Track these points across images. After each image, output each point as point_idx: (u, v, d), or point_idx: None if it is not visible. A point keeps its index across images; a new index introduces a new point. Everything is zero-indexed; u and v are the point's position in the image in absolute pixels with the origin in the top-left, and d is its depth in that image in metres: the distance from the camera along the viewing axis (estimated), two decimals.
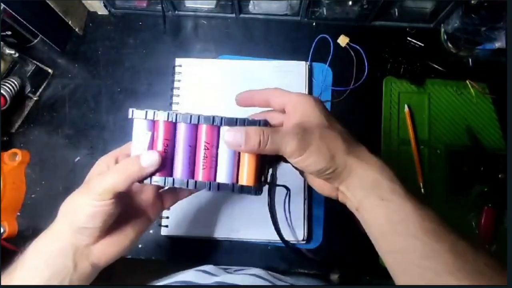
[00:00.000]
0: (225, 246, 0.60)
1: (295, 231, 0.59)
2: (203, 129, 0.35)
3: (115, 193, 0.33)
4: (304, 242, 0.59)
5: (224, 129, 0.34)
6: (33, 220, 0.61)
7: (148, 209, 0.41)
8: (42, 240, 0.36)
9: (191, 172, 0.35)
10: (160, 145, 0.35)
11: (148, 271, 0.51)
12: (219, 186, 0.35)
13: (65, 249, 0.35)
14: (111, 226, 0.36)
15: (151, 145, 0.35)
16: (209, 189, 0.35)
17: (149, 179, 0.35)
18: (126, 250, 0.38)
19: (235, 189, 0.35)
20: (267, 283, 0.45)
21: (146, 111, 0.35)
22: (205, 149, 0.35)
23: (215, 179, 0.35)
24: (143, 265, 0.60)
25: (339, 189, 0.35)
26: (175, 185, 0.35)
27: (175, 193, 0.44)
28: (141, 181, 0.34)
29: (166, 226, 0.59)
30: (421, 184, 0.62)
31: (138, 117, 0.35)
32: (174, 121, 0.35)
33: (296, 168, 0.36)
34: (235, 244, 0.60)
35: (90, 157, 0.64)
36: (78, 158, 0.64)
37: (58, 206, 0.61)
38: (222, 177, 0.35)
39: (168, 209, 0.46)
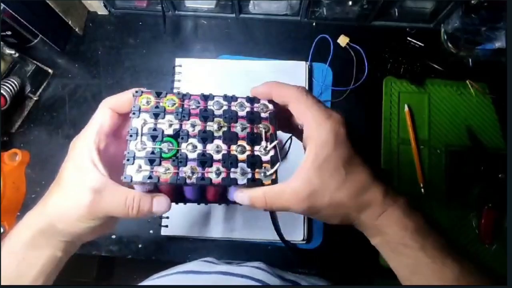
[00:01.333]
0: (225, 246, 0.60)
1: (295, 231, 0.59)
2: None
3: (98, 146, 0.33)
4: (304, 242, 0.59)
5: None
6: None
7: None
8: (33, 215, 0.35)
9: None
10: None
11: (148, 271, 0.51)
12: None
13: (51, 238, 0.34)
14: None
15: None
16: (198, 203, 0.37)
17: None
18: (110, 231, 0.38)
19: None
20: (270, 276, 0.45)
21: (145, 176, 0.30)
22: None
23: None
24: (143, 265, 0.60)
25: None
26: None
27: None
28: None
29: (166, 226, 0.59)
30: (421, 184, 0.62)
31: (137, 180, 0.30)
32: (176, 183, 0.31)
33: None
34: (235, 244, 0.60)
35: None
36: None
37: None
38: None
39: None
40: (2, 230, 0.58)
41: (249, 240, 0.60)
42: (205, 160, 0.30)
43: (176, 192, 0.36)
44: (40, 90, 0.67)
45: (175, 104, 0.33)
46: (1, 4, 0.55)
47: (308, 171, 0.30)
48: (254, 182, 0.31)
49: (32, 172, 0.63)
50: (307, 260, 0.60)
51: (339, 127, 0.32)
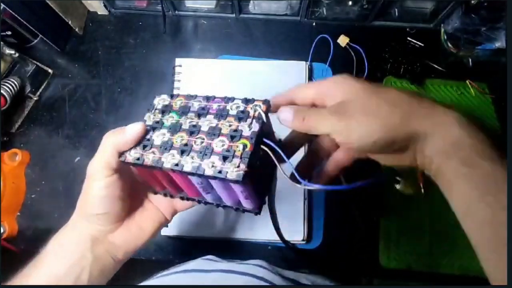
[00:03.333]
0: (225, 246, 0.60)
1: (295, 231, 0.59)
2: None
3: (110, 167, 0.34)
4: (304, 242, 0.59)
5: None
6: (33, 220, 0.61)
7: (161, 208, 0.42)
8: (63, 231, 0.37)
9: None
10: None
11: (148, 271, 0.51)
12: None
13: (83, 239, 0.36)
14: (127, 218, 0.38)
15: None
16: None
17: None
18: (143, 242, 0.39)
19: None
20: (271, 274, 0.45)
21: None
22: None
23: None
24: (143, 265, 0.60)
25: (416, 157, 0.29)
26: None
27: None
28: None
29: (166, 226, 0.59)
30: (421, 184, 0.62)
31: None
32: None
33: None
34: (235, 244, 0.60)
35: (90, 157, 0.64)
36: (78, 158, 0.64)
37: (58, 206, 0.62)
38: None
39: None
40: (2, 230, 0.58)
41: (249, 240, 0.60)
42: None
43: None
44: (40, 90, 0.67)
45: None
46: (1, 4, 0.55)
47: (336, 95, 0.29)
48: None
49: (32, 172, 0.63)
50: (307, 260, 0.60)
51: (348, 77, 0.30)
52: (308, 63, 0.67)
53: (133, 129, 0.33)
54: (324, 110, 0.30)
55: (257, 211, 0.36)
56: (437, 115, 0.27)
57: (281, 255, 0.60)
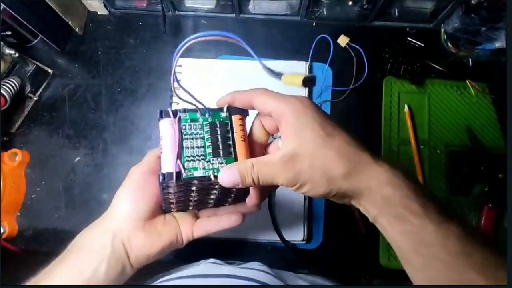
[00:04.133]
0: (225, 246, 0.60)
1: (295, 231, 0.59)
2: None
3: (151, 170, 0.40)
4: (304, 242, 0.59)
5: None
6: (33, 220, 0.61)
7: (182, 227, 0.43)
8: (88, 228, 0.40)
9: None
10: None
11: (148, 271, 0.51)
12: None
13: (104, 233, 0.38)
14: (149, 222, 0.40)
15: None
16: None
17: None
18: (157, 250, 0.41)
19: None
20: (273, 278, 0.45)
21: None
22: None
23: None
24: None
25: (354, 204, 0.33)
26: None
27: (205, 225, 0.44)
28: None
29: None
30: None
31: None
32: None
33: None
34: (235, 244, 0.60)
35: (90, 157, 0.64)
36: (78, 158, 0.64)
37: (58, 206, 0.62)
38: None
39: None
40: (2, 230, 0.58)
41: (249, 240, 0.60)
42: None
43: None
44: (40, 90, 0.67)
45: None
46: (1, 4, 0.55)
47: (288, 138, 0.31)
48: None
49: (32, 172, 0.63)
50: (307, 260, 0.60)
51: (305, 99, 0.32)
52: (308, 63, 0.67)
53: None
54: (277, 162, 0.31)
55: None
56: (373, 172, 0.30)
57: (281, 255, 0.60)
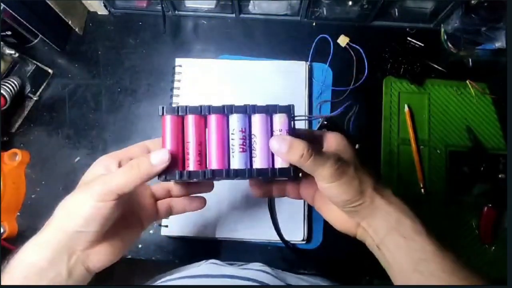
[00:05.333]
0: (225, 246, 0.60)
1: (295, 231, 0.59)
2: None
3: (120, 194, 0.32)
4: (304, 242, 0.59)
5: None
6: (33, 220, 0.61)
7: (142, 215, 0.40)
8: (32, 247, 0.34)
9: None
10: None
11: (148, 271, 0.51)
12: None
13: (59, 257, 0.33)
14: (109, 232, 0.35)
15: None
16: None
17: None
18: (121, 254, 0.37)
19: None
20: (273, 278, 0.45)
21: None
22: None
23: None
24: (143, 265, 0.60)
25: (361, 225, 0.36)
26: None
27: (169, 205, 0.43)
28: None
29: (166, 226, 0.59)
30: (421, 184, 0.62)
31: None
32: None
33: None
34: (235, 244, 0.60)
35: (90, 157, 0.64)
36: (78, 158, 0.64)
37: None
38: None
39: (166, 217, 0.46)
40: (2, 230, 0.58)
41: (249, 240, 0.60)
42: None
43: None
44: (40, 90, 0.67)
45: None
46: (1, 4, 0.55)
47: (333, 152, 0.35)
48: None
49: (32, 172, 0.63)
50: (307, 260, 0.60)
51: (346, 139, 0.37)
52: (308, 63, 0.67)
53: (160, 157, 0.32)
54: (329, 157, 0.33)
55: (293, 174, 0.35)
56: (390, 198, 0.35)
57: (281, 255, 0.60)
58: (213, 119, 0.35)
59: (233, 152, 0.35)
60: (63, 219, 0.33)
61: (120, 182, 0.32)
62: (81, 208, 0.32)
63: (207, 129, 0.35)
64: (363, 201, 0.34)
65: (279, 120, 0.35)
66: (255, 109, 0.35)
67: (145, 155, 0.33)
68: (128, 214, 0.38)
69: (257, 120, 0.35)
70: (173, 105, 0.34)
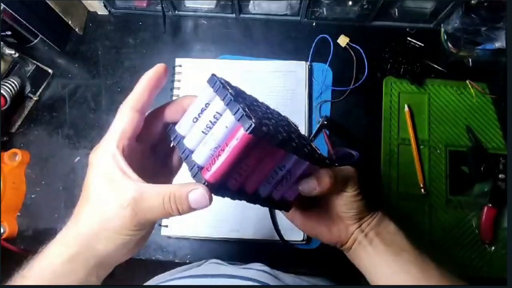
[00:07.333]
0: (225, 246, 0.60)
1: (295, 231, 0.59)
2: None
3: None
4: (304, 242, 0.59)
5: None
6: (33, 220, 0.61)
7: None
8: (59, 247, 0.31)
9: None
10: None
11: (148, 271, 0.51)
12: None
13: (82, 256, 0.30)
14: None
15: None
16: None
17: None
18: (143, 244, 0.35)
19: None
20: (273, 278, 0.45)
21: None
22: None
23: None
24: (143, 265, 0.60)
25: (350, 230, 0.40)
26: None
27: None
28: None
29: (166, 226, 0.59)
30: (421, 184, 0.62)
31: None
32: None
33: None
34: (235, 244, 0.60)
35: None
36: (78, 158, 0.64)
37: (58, 206, 0.62)
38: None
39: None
40: (2, 230, 0.58)
41: (249, 240, 0.60)
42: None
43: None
44: (40, 90, 0.67)
45: None
46: (1, 4, 0.55)
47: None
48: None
49: (32, 172, 0.63)
50: (307, 260, 0.60)
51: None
52: (308, 63, 0.67)
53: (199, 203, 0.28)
54: (350, 173, 0.38)
55: (290, 206, 0.38)
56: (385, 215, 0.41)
57: (281, 255, 0.60)
58: (279, 155, 0.32)
59: (267, 183, 0.33)
60: (92, 222, 0.30)
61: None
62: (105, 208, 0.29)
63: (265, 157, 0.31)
64: (372, 213, 0.40)
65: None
66: (307, 157, 0.33)
67: (182, 191, 0.28)
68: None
69: (303, 166, 0.35)
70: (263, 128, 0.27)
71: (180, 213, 0.29)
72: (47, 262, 0.30)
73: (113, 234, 0.29)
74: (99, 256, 0.30)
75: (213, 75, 0.30)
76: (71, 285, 0.32)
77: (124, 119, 0.32)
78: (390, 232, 0.40)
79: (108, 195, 0.29)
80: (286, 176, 0.34)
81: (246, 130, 0.26)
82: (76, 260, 0.30)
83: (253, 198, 0.33)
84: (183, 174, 0.34)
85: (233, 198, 0.31)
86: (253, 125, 0.26)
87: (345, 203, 0.39)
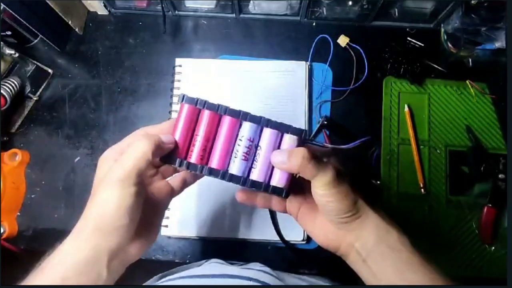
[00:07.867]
0: (225, 246, 0.60)
1: (295, 231, 0.59)
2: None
3: (139, 171, 0.32)
4: (304, 242, 0.59)
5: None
6: (33, 220, 0.61)
7: (161, 197, 0.40)
8: (70, 248, 0.32)
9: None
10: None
11: (148, 271, 0.51)
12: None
13: (99, 257, 0.32)
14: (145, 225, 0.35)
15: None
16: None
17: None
18: (152, 243, 0.38)
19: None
20: (274, 279, 0.45)
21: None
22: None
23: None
24: (143, 265, 0.60)
25: (346, 240, 0.38)
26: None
27: (182, 178, 0.42)
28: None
29: (166, 226, 0.59)
30: (421, 184, 0.62)
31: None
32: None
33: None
34: (235, 244, 0.60)
35: (90, 157, 0.64)
36: (78, 158, 0.64)
37: (58, 206, 0.62)
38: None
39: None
40: (2, 230, 0.59)
41: (249, 240, 0.60)
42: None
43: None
44: (40, 90, 0.67)
45: None
46: (1, 4, 0.55)
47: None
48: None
49: (32, 172, 0.63)
50: (307, 260, 0.60)
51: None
52: (308, 63, 0.67)
53: (168, 139, 0.34)
54: (328, 164, 0.34)
55: (286, 193, 0.36)
56: (377, 210, 0.37)
57: (281, 255, 0.60)
58: (227, 120, 0.35)
59: (235, 157, 0.35)
60: (95, 221, 0.32)
61: (132, 161, 0.32)
62: (110, 203, 0.32)
63: (218, 128, 0.36)
64: (356, 212, 0.35)
65: (288, 141, 0.35)
66: (268, 123, 0.35)
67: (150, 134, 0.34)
68: (147, 202, 0.37)
69: (267, 134, 0.35)
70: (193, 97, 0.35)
71: (152, 147, 0.33)
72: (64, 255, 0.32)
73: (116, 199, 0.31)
74: (109, 240, 0.32)
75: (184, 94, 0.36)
76: (71, 285, 0.32)
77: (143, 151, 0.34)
78: (391, 246, 0.35)
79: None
80: (255, 151, 0.35)
81: (180, 101, 0.35)
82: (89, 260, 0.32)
83: (226, 175, 0.35)
84: None
85: (202, 173, 0.35)
86: (185, 96, 0.35)
87: (321, 203, 0.35)
